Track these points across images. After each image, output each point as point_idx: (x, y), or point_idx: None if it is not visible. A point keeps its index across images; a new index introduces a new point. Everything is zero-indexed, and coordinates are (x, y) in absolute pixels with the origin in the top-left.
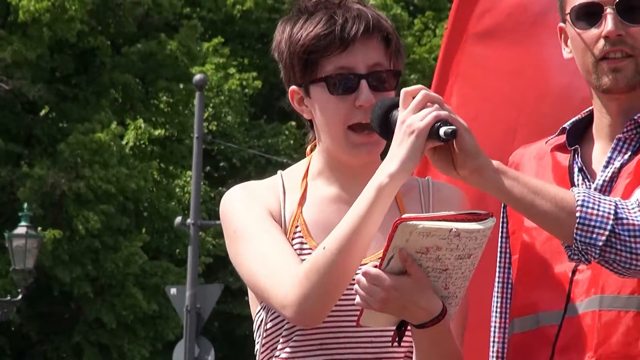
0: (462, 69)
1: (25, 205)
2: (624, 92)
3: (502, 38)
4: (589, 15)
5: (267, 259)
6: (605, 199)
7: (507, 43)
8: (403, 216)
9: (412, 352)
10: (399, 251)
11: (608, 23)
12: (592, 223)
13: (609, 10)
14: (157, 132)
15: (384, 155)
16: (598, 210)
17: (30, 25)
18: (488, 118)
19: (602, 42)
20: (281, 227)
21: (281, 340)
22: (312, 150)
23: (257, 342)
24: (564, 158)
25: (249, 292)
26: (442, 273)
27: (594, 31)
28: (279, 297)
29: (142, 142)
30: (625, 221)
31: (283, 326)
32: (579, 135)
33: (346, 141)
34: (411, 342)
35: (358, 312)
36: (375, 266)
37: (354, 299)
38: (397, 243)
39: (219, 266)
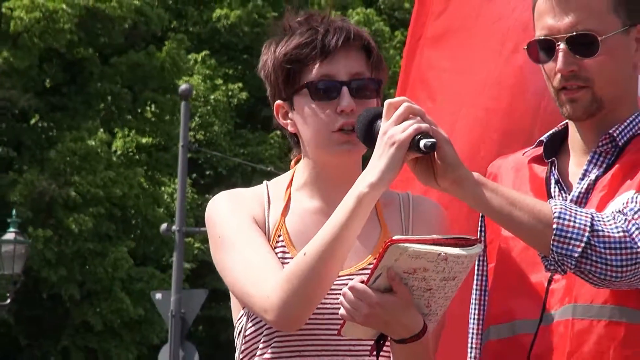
0: (419, 74)
1: (14, 211)
2: (582, 120)
3: (451, 38)
4: (546, 50)
5: (250, 264)
6: (581, 212)
7: (455, 42)
8: (394, 237)
9: None
10: (387, 270)
11: (559, 60)
12: (569, 235)
13: (561, 46)
14: (144, 140)
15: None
16: (575, 222)
17: (20, 36)
18: (434, 116)
19: (559, 79)
20: (265, 235)
21: (260, 347)
22: (296, 163)
23: (237, 349)
24: (540, 170)
25: (232, 298)
26: (426, 292)
27: (551, 64)
28: (261, 301)
29: (129, 150)
30: (601, 233)
31: (262, 332)
32: (555, 148)
33: (329, 142)
34: (388, 353)
35: (337, 320)
36: (362, 281)
37: (332, 308)
38: (386, 263)
39: (205, 271)
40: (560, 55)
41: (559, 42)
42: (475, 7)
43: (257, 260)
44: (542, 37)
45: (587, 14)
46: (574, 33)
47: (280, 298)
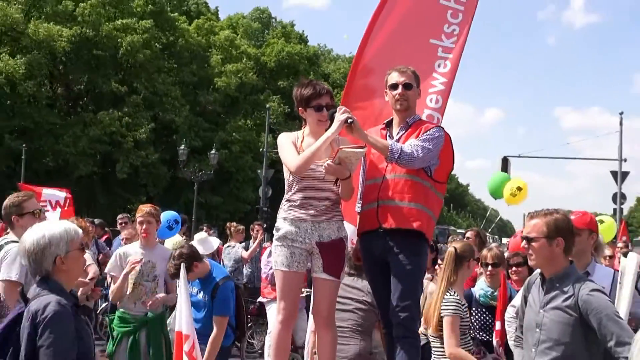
0: (353, 92)
1: (213, 150)
2: (403, 111)
3: (370, 69)
4: (393, 87)
5: (289, 153)
6: (398, 144)
7: (371, 74)
8: (340, 147)
9: (335, 194)
10: (338, 158)
11: (399, 90)
12: (394, 151)
13: (400, 86)
14: (257, 122)
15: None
16: (395, 147)
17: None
18: (362, 115)
19: (397, 95)
20: (296, 149)
21: (293, 187)
22: (304, 126)
23: (286, 187)
24: (384, 132)
25: (284, 172)
26: (350, 163)
27: (394, 92)
28: (290, 164)
29: (253, 125)
30: (404, 150)
31: (294, 180)
32: (389, 124)
33: (317, 125)
34: (335, 189)
35: (322, 178)
36: (331, 161)
37: (320, 172)
38: (339, 155)
39: (279, 165)
40: (400, 88)
41: (399, 85)
42: (370, 84)
43: (291, 152)
44: (393, 83)
45: (410, 78)
46: (406, 82)
47: (297, 162)
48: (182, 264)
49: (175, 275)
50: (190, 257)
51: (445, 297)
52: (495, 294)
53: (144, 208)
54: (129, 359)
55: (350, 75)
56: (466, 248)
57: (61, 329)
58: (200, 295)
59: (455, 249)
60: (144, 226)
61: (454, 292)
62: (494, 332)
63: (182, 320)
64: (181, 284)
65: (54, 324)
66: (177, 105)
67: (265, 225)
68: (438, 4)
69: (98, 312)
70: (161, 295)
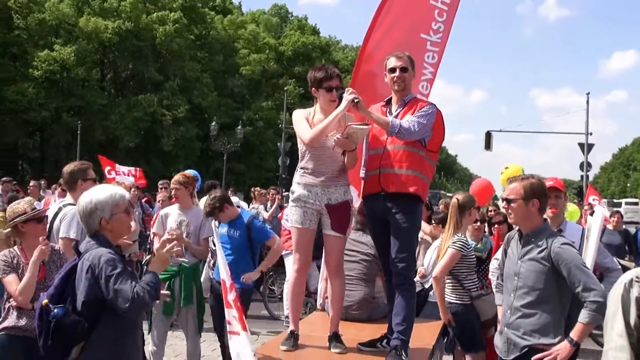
0: (359, 76)
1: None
2: (400, 91)
3: (373, 57)
4: (391, 70)
5: (302, 127)
6: (397, 120)
7: (373, 61)
8: (348, 124)
9: (342, 163)
10: (347, 133)
11: (397, 73)
12: (394, 125)
13: (397, 70)
14: (278, 103)
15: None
16: (395, 122)
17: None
18: (366, 95)
19: (395, 77)
20: (309, 125)
21: (306, 156)
22: (316, 104)
23: (300, 157)
24: (385, 109)
25: (298, 144)
26: (356, 138)
27: (392, 74)
28: (303, 136)
29: (273, 106)
30: (402, 125)
31: (306, 151)
32: (389, 102)
33: (328, 103)
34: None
35: (332, 149)
36: (340, 137)
37: (330, 145)
38: (347, 131)
39: (294, 139)
40: (398, 71)
41: (397, 68)
42: (371, 70)
43: (304, 127)
44: (392, 67)
45: (406, 62)
46: (402, 66)
47: (310, 135)
48: (214, 218)
49: (210, 213)
50: (222, 199)
51: (454, 238)
52: (479, 246)
53: (175, 177)
54: (164, 303)
55: (357, 62)
56: (467, 198)
57: (119, 272)
58: (232, 232)
59: (458, 199)
60: (173, 192)
61: (461, 235)
62: (488, 281)
63: (222, 270)
64: (216, 241)
65: (112, 270)
66: (207, 91)
67: (284, 191)
68: (428, 3)
69: (143, 263)
70: (193, 245)
